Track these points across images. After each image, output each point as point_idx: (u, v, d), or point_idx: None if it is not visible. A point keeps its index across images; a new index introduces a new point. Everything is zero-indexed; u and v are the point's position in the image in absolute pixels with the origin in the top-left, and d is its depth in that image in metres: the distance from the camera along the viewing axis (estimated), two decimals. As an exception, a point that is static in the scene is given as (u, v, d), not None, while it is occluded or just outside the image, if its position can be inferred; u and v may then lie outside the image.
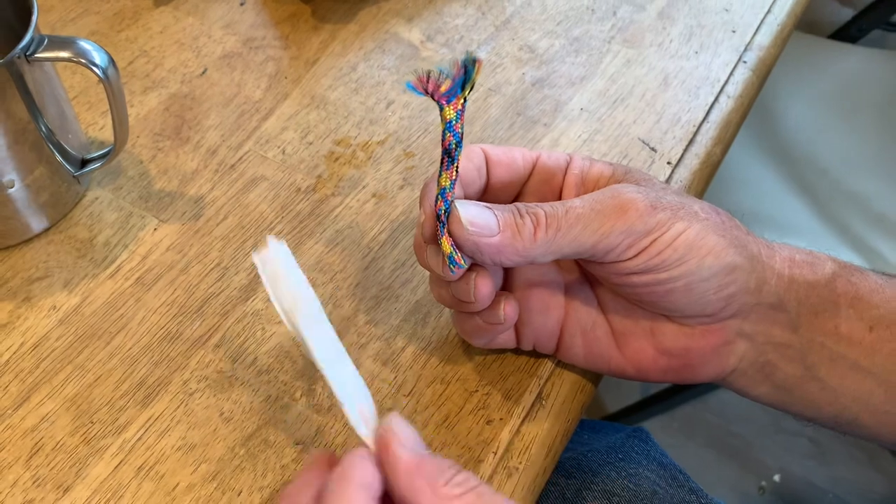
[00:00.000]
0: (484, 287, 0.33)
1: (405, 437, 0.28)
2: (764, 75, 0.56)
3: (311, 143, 0.48)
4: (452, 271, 0.32)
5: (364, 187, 0.47)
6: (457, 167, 0.31)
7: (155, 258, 0.43)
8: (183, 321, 0.40)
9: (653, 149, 0.49)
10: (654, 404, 1.22)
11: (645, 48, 0.55)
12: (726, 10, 0.58)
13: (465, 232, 0.31)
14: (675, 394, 1.20)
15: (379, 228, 0.45)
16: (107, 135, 0.48)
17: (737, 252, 0.33)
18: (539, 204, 0.32)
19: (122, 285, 0.41)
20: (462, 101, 0.30)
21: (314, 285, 0.42)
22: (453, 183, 0.32)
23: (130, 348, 0.39)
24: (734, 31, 0.57)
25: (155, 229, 0.44)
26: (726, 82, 0.53)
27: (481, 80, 0.53)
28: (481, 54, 0.54)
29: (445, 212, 0.32)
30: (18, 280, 0.41)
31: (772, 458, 1.34)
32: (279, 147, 0.48)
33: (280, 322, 0.40)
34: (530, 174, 0.37)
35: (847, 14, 1.29)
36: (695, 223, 0.32)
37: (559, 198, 0.37)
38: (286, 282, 0.31)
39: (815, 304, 0.35)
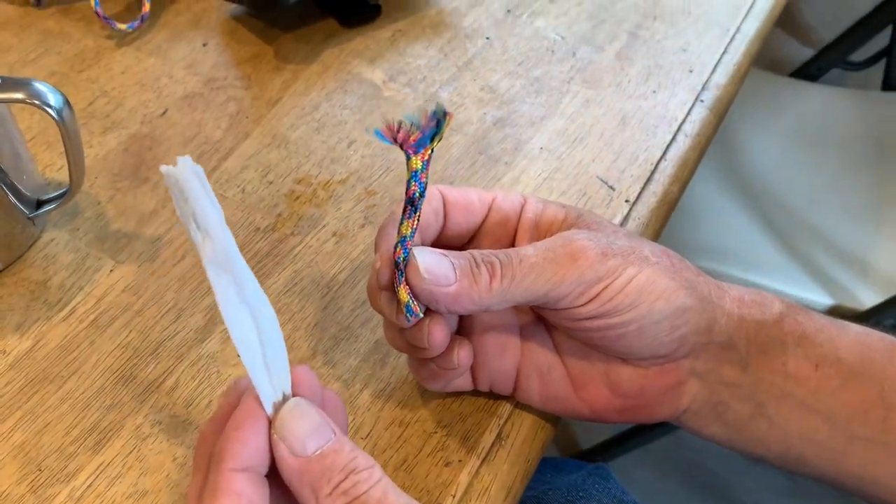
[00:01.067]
0: (438, 334, 0.33)
1: (298, 431, 0.28)
2: (721, 113, 0.57)
3: (271, 182, 0.48)
4: (408, 320, 0.32)
5: (324, 226, 0.46)
6: (419, 216, 0.32)
7: (110, 300, 0.42)
8: (137, 364, 0.40)
9: (611, 187, 0.50)
10: (629, 440, 1.22)
11: (603, 88, 0.56)
12: (683, 51, 0.59)
13: (422, 281, 0.31)
14: (650, 429, 1.20)
15: (339, 268, 0.44)
16: (65, 175, 0.48)
17: (687, 294, 0.34)
18: (494, 252, 0.33)
19: (76, 328, 0.41)
20: (430, 151, 0.30)
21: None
22: (414, 231, 0.32)
23: (83, 392, 0.39)
24: (691, 71, 0.58)
25: (111, 271, 0.43)
26: (684, 121, 0.54)
27: (443, 119, 0.53)
28: (443, 94, 0.55)
29: (404, 260, 0.32)
30: (-32, 323, 0.41)
31: (747, 495, 1.34)
32: (239, 186, 0.48)
33: (236, 364, 0.40)
34: (486, 216, 0.37)
35: (807, 53, 1.33)
36: (645, 267, 0.33)
37: (513, 241, 0.37)
38: (197, 207, 0.28)
39: (764, 343, 0.36)
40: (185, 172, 0.27)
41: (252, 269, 0.44)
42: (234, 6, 0.60)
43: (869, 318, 0.91)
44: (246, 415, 0.29)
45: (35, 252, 0.44)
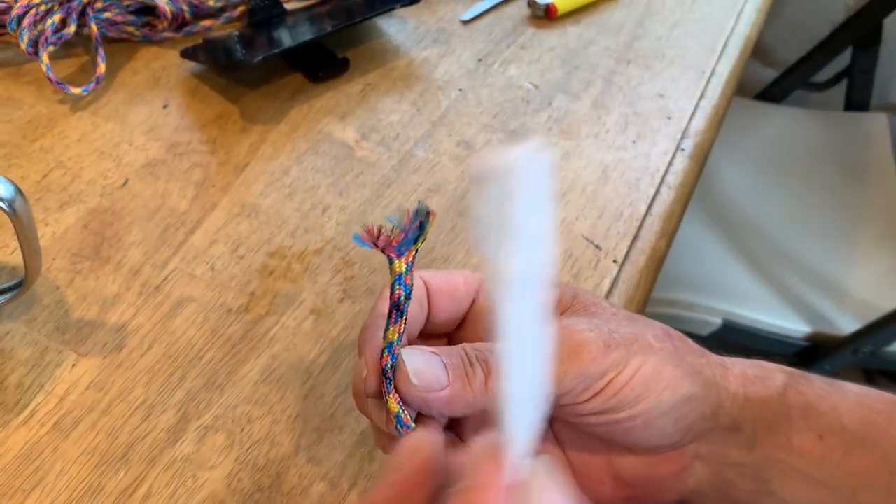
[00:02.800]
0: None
1: None
2: (702, 161, 0.55)
3: (242, 257, 0.46)
4: (400, 432, 0.30)
5: (301, 303, 0.44)
6: (405, 320, 0.29)
7: (74, 399, 0.39)
8: (106, 471, 0.37)
9: (597, 246, 0.48)
10: None
11: (582, 139, 0.55)
12: (660, 96, 0.58)
13: (413, 388, 0.29)
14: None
15: (318, 349, 0.42)
16: (18, 259, 0.44)
17: (692, 381, 0.32)
18: (489, 346, 0.31)
19: (37, 433, 0.38)
20: (413, 253, 0.28)
21: (249, 420, 0.39)
22: (401, 336, 0.30)
23: (46, 507, 0.36)
24: (670, 118, 0.56)
25: (73, 365, 0.40)
26: (666, 172, 0.53)
27: (420, 179, 0.51)
28: (419, 153, 0.53)
29: (392, 367, 0.30)
30: (-83, 434, 0.37)
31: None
32: (208, 263, 0.45)
33: (212, 468, 0.37)
34: (473, 300, 0.35)
35: (769, 74, 1.33)
36: (650, 357, 0.31)
37: None
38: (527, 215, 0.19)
39: (770, 420, 0.35)
40: (530, 166, 0.19)
41: (225, 356, 0.41)
42: (194, 63, 0.57)
43: (847, 344, 0.90)
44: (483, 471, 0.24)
45: (-11, 347, 0.41)
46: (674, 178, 0.53)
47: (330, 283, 0.45)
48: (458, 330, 0.36)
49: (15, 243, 0.45)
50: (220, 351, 0.41)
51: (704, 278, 0.98)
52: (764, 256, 0.99)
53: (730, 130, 1.13)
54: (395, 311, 0.29)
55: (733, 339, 0.95)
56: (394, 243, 0.27)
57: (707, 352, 0.35)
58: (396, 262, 0.28)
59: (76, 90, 0.53)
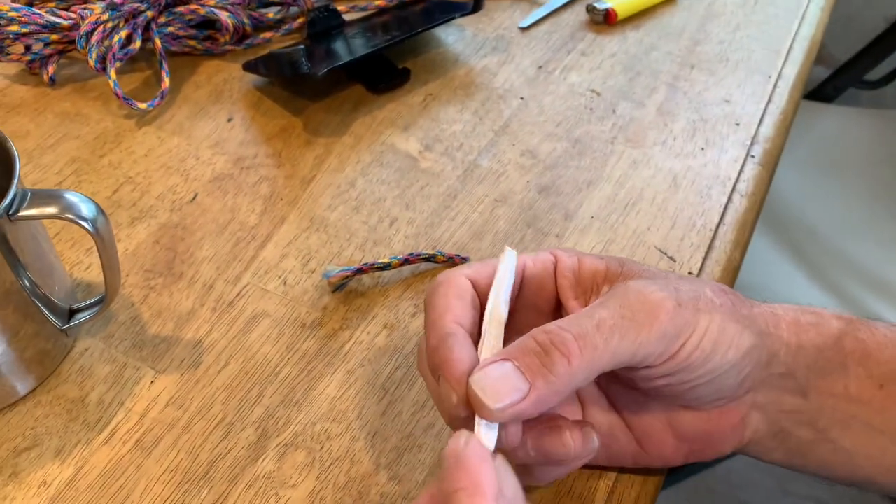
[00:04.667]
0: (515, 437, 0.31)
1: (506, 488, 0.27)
2: (772, 168, 0.54)
3: (313, 271, 0.46)
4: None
5: (374, 318, 0.44)
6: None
7: (153, 416, 0.39)
8: (189, 490, 0.37)
9: (671, 258, 0.47)
10: (661, 478, 1.18)
11: (649, 147, 0.54)
12: (727, 102, 0.57)
13: (497, 412, 0.29)
14: (681, 467, 1.16)
15: (394, 365, 0.42)
16: (93, 275, 0.45)
17: (751, 334, 0.32)
18: (561, 326, 0.30)
19: (119, 451, 0.38)
20: None
21: (328, 437, 0.39)
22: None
23: (132, 526, 0.36)
24: (738, 124, 0.55)
25: (152, 382, 0.40)
26: (737, 180, 0.52)
27: (486, 189, 0.51)
28: (483, 163, 0.52)
29: None
30: (3, 452, 0.38)
31: (783, 525, 1.30)
32: (280, 277, 0.45)
33: (294, 486, 0.37)
34: (520, 288, 0.35)
35: (820, 73, 1.31)
36: (715, 315, 0.31)
37: (556, 305, 0.35)
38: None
39: (824, 367, 0.34)
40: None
41: (301, 372, 0.41)
42: (256, 76, 0.57)
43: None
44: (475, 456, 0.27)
45: (69, 364, 0.41)
46: (745, 186, 0.51)
47: (401, 297, 0.45)
48: (511, 319, 0.35)
49: (89, 260, 0.46)
50: (297, 367, 0.41)
51: (757, 282, 0.96)
52: (822, 260, 0.97)
53: (782, 131, 1.11)
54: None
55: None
56: None
57: (756, 302, 0.35)
58: None
59: (142, 105, 0.54)
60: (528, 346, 0.30)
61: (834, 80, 1.23)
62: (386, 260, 0.45)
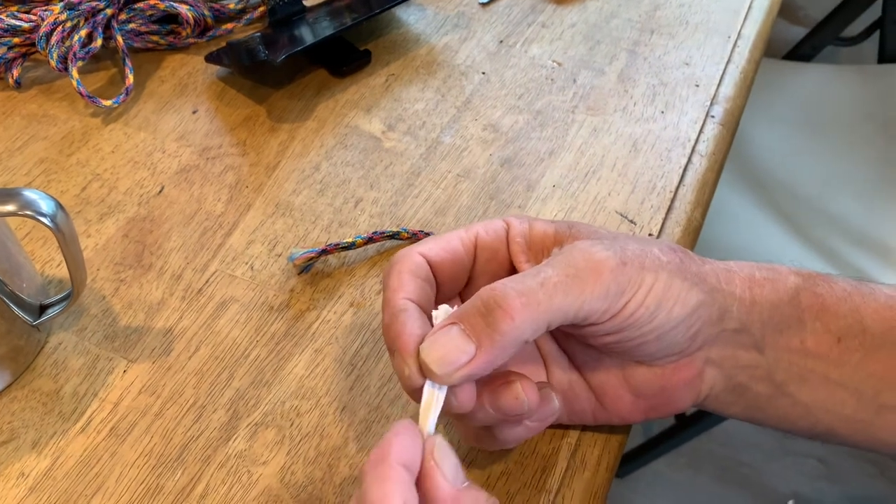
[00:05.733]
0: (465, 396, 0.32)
1: (447, 468, 0.28)
2: (733, 128, 0.55)
3: (279, 256, 0.47)
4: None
5: (340, 297, 0.45)
6: None
7: (127, 404, 0.40)
8: (163, 473, 0.38)
9: (632, 221, 0.48)
10: (659, 444, 1.20)
11: (609, 114, 0.54)
12: (686, 64, 0.57)
13: (445, 377, 0.30)
14: (680, 431, 1.18)
15: (361, 342, 0.42)
16: (65, 272, 0.46)
17: (699, 291, 0.33)
18: (506, 282, 0.31)
19: (94, 440, 0.39)
20: None
21: (298, 414, 0.39)
22: None
23: (109, 510, 0.37)
24: (697, 86, 0.56)
25: (124, 371, 0.41)
26: (697, 141, 0.52)
27: (449, 165, 0.51)
28: (446, 139, 0.53)
29: None
30: (-18, 447, 0.39)
31: (783, 484, 1.32)
32: (247, 263, 0.46)
33: (265, 463, 0.38)
34: (475, 257, 0.36)
35: (797, 32, 1.30)
36: (661, 273, 0.32)
37: (511, 271, 0.36)
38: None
39: (780, 323, 0.35)
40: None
41: (270, 353, 0.42)
42: (219, 67, 0.58)
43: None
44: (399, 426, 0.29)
45: (43, 359, 0.42)
46: (705, 147, 0.52)
47: (367, 275, 0.46)
48: (467, 286, 0.37)
49: (59, 257, 0.47)
50: (265, 348, 0.42)
51: (742, 244, 0.96)
52: (803, 218, 0.98)
53: (761, 93, 1.11)
54: None
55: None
56: None
57: (710, 260, 0.36)
58: None
59: (107, 102, 0.54)
60: (472, 306, 0.31)
61: (811, 38, 1.23)
62: (350, 240, 0.45)
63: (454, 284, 0.36)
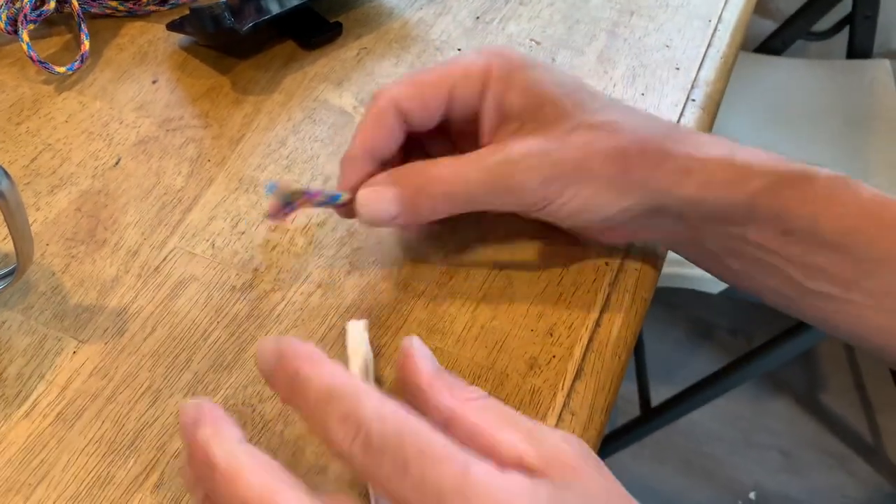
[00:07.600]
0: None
1: (425, 354, 0.31)
2: (713, 112, 0.54)
3: (243, 233, 0.44)
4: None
5: (307, 277, 0.42)
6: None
7: (76, 387, 0.37)
8: (114, 461, 0.35)
9: (612, 204, 0.46)
10: (623, 436, 1.20)
11: (589, 94, 0.52)
12: (667, 47, 0.56)
13: (371, 222, 0.38)
14: (644, 423, 1.18)
15: (328, 325, 0.40)
16: (9, 245, 0.43)
17: (632, 196, 0.36)
18: (442, 168, 0.37)
19: (39, 425, 0.36)
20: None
21: (260, 400, 0.37)
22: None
23: (55, 501, 0.34)
24: (678, 69, 0.54)
25: (74, 352, 0.39)
26: (678, 123, 0.51)
27: (422, 144, 0.49)
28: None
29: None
30: (-84, 432, 0.36)
31: (746, 476, 1.33)
32: (208, 240, 0.44)
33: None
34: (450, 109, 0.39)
35: (768, 26, 1.31)
36: (585, 186, 0.35)
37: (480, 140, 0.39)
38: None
39: (724, 219, 0.36)
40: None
41: (231, 335, 0.40)
42: (181, 36, 0.55)
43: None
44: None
45: (-14, 339, 0.39)
46: (686, 130, 0.51)
47: (336, 255, 0.43)
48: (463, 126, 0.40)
49: (6, 230, 0.43)
50: (226, 330, 0.40)
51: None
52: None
53: (731, 84, 1.11)
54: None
55: (742, 297, 0.94)
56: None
57: (676, 154, 0.36)
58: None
59: (60, 69, 0.51)
60: (409, 180, 0.37)
61: (782, 32, 1.23)
62: (339, 193, 0.39)
63: (425, 124, 0.39)
